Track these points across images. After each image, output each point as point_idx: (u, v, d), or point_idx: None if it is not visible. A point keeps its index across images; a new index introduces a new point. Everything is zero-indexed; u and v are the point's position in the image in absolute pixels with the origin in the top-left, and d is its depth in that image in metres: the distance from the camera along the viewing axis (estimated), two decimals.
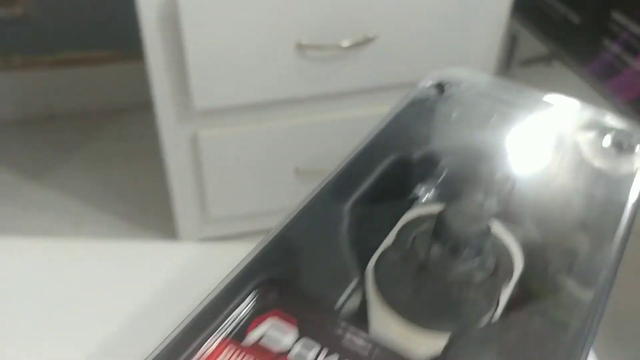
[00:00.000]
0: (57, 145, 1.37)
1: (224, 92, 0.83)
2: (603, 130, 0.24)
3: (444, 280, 0.20)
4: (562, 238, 0.21)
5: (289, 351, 0.17)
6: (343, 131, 0.87)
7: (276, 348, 0.17)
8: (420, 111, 0.25)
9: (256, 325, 0.18)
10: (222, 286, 0.19)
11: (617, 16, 0.87)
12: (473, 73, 0.27)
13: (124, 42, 1.35)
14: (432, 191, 0.23)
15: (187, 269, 0.27)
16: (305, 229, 0.21)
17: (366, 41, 0.80)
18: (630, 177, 0.22)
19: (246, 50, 0.79)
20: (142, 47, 0.81)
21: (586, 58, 0.93)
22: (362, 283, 0.20)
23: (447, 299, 0.19)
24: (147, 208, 1.18)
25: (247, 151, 0.91)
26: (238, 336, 0.17)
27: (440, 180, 0.23)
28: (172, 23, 0.76)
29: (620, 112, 0.88)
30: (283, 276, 0.19)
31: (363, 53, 0.81)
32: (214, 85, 0.81)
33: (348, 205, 0.21)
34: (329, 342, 0.17)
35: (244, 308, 0.18)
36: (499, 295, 0.19)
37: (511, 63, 1.08)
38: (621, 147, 0.23)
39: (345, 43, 0.79)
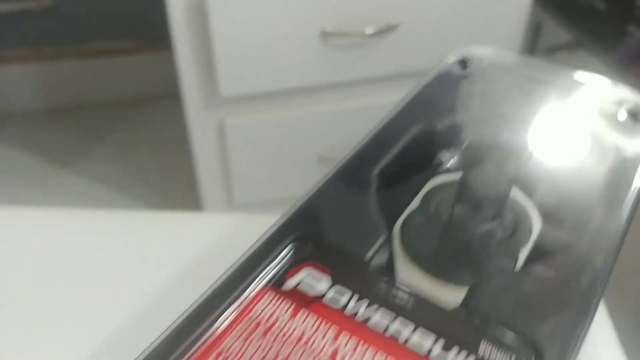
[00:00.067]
0: (85, 134, 1.40)
1: (249, 80, 0.85)
2: (621, 102, 0.26)
3: (466, 239, 0.21)
4: (577, 202, 0.22)
5: (323, 295, 0.19)
6: (367, 118, 0.88)
7: (312, 292, 0.19)
8: (445, 85, 0.27)
9: (293, 274, 0.19)
10: (261, 240, 0.20)
11: None
12: (495, 50, 0.28)
13: (151, 32, 1.37)
14: (456, 158, 0.24)
15: (217, 240, 0.29)
16: (338, 191, 0.22)
17: (389, 28, 0.81)
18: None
19: (271, 38, 0.80)
20: (168, 37, 0.83)
21: (611, 45, 0.93)
22: (389, 241, 0.21)
23: (468, 256, 0.21)
24: (174, 195, 1.21)
25: (272, 138, 0.93)
26: (277, 283, 0.19)
27: (463, 148, 0.24)
28: (199, 12, 0.78)
29: None
30: (317, 232, 0.21)
31: (386, 40, 0.82)
32: (240, 73, 0.83)
33: (377, 170, 0.23)
34: (360, 289, 0.19)
35: (282, 260, 0.20)
36: (517, 253, 0.21)
37: (535, 51, 1.08)
38: (636, 118, 0.25)
39: (369, 30, 0.80)
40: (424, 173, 0.24)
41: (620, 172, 0.23)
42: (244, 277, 0.19)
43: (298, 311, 0.18)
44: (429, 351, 0.17)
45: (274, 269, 0.20)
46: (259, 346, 0.17)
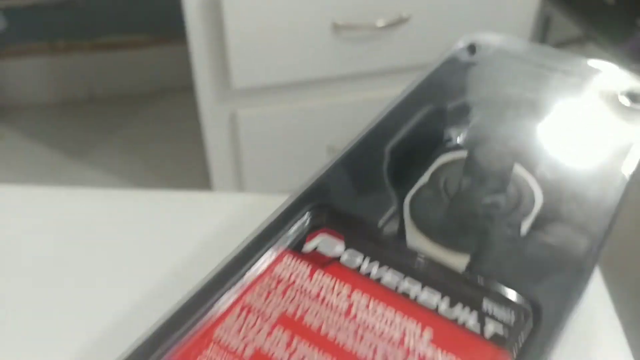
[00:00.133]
0: (97, 126, 1.42)
1: (261, 72, 0.86)
2: (622, 86, 0.27)
3: (471, 210, 0.22)
4: (576, 177, 0.23)
5: (339, 258, 0.20)
6: (377, 110, 0.89)
7: (328, 255, 0.20)
8: (454, 69, 0.28)
9: (309, 240, 0.21)
10: (281, 209, 0.22)
11: None
12: (503, 37, 0.30)
13: (164, 26, 1.39)
14: (464, 136, 0.25)
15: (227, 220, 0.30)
16: (352, 166, 0.24)
17: (400, 21, 0.82)
18: (639, 126, 0.25)
19: (284, 31, 0.82)
20: (180, 31, 0.84)
21: (620, 39, 0.94)
22: (399, 212, 0.23)
23: (473, 225, 0.22)
24: (186, 187, 1.23)
25: (283, 130, 0.94)
26: (295, 248, 0.21)
27: (470, 127, 0.26)
28: (213, 6, 0.80)
29: None
30: (332, 202, 0.22)
31: (397, 33, 0.84)
32: (253, 65, 0.85)
33: (389, 147, 0.24)
34: (372, 253, 0.20)
35: (300, 226, 0.21)
36: (520, 223, 0.22)
37: (545, 45, 1.09)
38: (636, 100, 0.26)
39: (380, 23, 0.82)
40: (433, 150, 0.25)
41: (617, 150, 0.24)
42: (264, 242, 0.21)
43: (314, 272, 0.20)
44: (437, 307, 0.19)
45: (292, 234, 0.21)
46: (279, 302, 0.19)
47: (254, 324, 0.18)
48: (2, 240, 0.29)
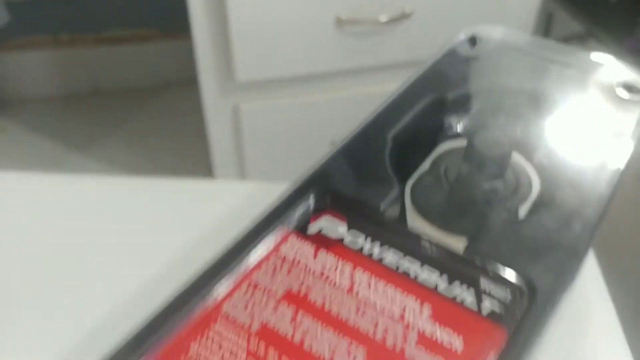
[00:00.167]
0: (101, 120, 1.43)
1: (265, 66, 0.87)
2: (618, 77, 0.28)
3: (471, 194, 0.23)
4: (572, 165, 0.24)
5: (342, 240, 0.21)
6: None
7: (331, 236, 0.21)
8: (455, 60, 0.29)
9: (313, 222, 0.22)
10: (286, 193, 0.23)
11: None
12: (504, 29, 0.30)
13: (167, 20, 1.40)
14: (464, 125, 0.26)
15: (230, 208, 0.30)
16: (355, 152, 0.24)
17: (403, 16, 0.83)
18: (634, 117, 0.25)
19: (287, 25, 0.82)
20: (184, 25, 0.85)
21: (622, 36, 0.94)
22: (400, 198, 0.23)
23: (472, 209, 0.23)
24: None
25: (286, 123, 0.95)
26: (300, 229, 0.21)
27: (470, 116, 0.27)
28: (217, 0, 0.80)
29: None
30: (335, 186, 0.23)
31: (400, 28, 0.84)
32: (256, 59, 0.85)
33: (392, 134, 0.25)
34: (373, 234, 0.21)
35: (304, 209, 0.22)
36: (517, 207, 0.23)
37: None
38: (631, 91, 0.27)
39: (383, 18, 0.82)
40: (434, 138, 0.26)
41: (612, 139, 0.25)
42: (270, 223, 0.21)
43: (318, 252, 0.21)
44: (436, 285, 0.19)
45: (297, 217, 0.22)
46: (285, 280, 0.20)
47: (261, 300, 0.19)
48: (4, 225, 0.30)
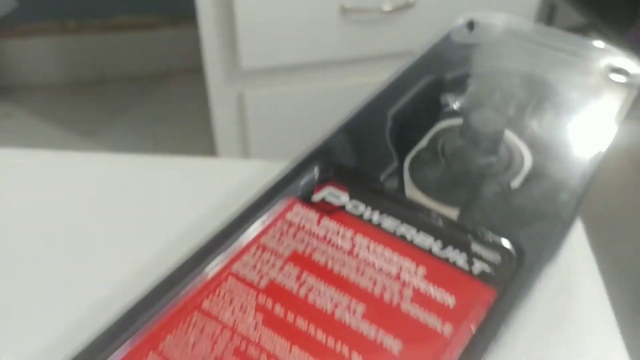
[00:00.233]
0: (107, 106, 1.44)
1: (270, 53, 0.88)
2: (609, 61, 0.29)
3: (465, 168, 0.25)
4: (562, 143, 0.26)
5: (343, 207, 0.22)
6: None
7: (334, 204, 0.22)
8: (453, 43, 0.30)
9: (317, 192, 0.23)
10: (292, 165, 0.24)
11: None
12: (501, 15, 0.32)
13: (173, 7, 1.41)
14: (460, 104, 0.28)
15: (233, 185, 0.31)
16: (357, 128, 0.26)
17: (407, 6, 0.84)
18: (622, 99, 0.27)
19: (292, 13, 0.84)
20: (190, 13, 0.86)
21: (623, 27, 0.95)
22: (399, 171, 0.25)
23: (467, 183, 0.24)
24: None
25: (290, 110, 0.96)
26: (305, 198, 0.23)
27: (466, 96, 0.28)
28: None
29: None
30: (338, 159, 0.24)
31: (403, 17, 0.85)
32: (261, 46, 0.87)
33: (391, 113, 0.27)
34: (373, 203, 0.23)
35: (308, 179, 0.24)
36: (510, 181, 0.24)
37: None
38: (619, 73, 0.28)
39: (387, 7, 0.83)
40: (432, 117, 0.27)
41: (601, 118, 0.26)
42: (277, 192, 0.23)
43: (322, 218, 0.22)
44: (430, 249, 0.21)
45: (302, 186, 0.23)
46: (290, 243, 0.21)
47: (268, 260, 0.21)
48: (12, 201, 0.31)
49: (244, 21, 0.83)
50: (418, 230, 0.21)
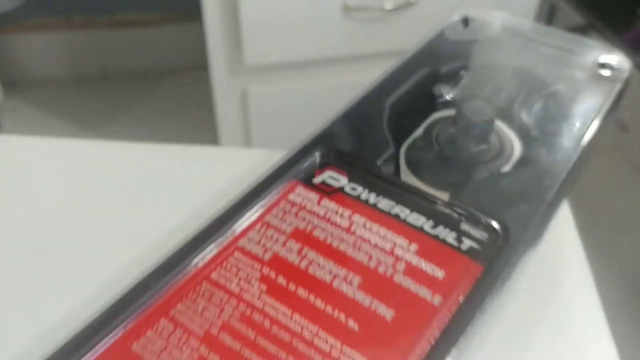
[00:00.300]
0: (111, 101, 1.45)
1: (273, 50, 0.90)
2: (596, 56, 0.30)
3: (457, 155, 0.26)
4: (549, 132, 0.27)
5: (342, 188, 0.24)
6: None
7: (333, 186, 0.24)
8: (448, 38, 0.32)
9: (318, 175, 0.25)
10: (294, 150, 0.26)
11: None
12: (495, 12, 0.33)
13: (178, 4, 1.42)
14: (454, 95, 0.29)
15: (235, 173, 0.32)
16: (357, 116, 0.27)
17: (408, 5, 0.85)
18: (605, 94, 0.28)
19: (295, 11, 0.85)
20: (194, 10, 0.87)
21: (621, 28, 0.97)
22: (395, 157, 0.26)
23: (459, 169, 0.26)
24: None
25: (293, 106, 0.98)
26: (306, 180, 0.24)
27: (460, 87, 0.30)
28: None
29: None
30: (338, 145, 0.26)
31: (405, 15, 0.87)
32: (265, 43, 0.88)
33: (389, 103, 0.28)
34: (370, 185, 0.24)
35: (310, 164, 0.25)
36: (499, 168, 0.26)
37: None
38: (605, 67, 0.30)
39: (388, 6, 0.85)
40: (427, 107, 0.29)
41: (586, 110, 0.28)
42: (281, 175, 0.25)
43: (322, 199, 0.24)
44: (422, 227, 0.22)
45: (303, 170, 0.25)
46: (293, 221, 0.23)
47: (272, 236, 0.22)
48: (16, 188, 0.32)
49: (249, 18, 0.85)
50: (411, 211, 0.23)
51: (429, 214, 0.23)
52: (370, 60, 0.93)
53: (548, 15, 1.11)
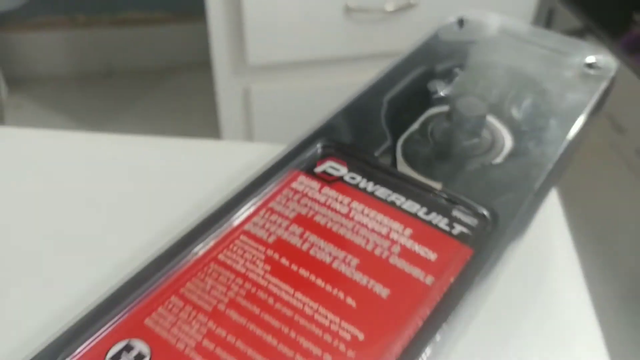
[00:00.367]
0: (114, 100, 1.47)
1: (276, 50, 0.91)
2: (584, 56, 0.32)
3: (451, 148, 0.28)
4: (538, 126, 0.29)
5: (342, 177, 0.26)
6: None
7: (334, 175, 0.26)
8: (444, 38, 0.33)
9: (319, 165, 0.26)
10: (297, 141, 0.27)
11: None
12: (489, 13, 0.35)
13: (181, 4, 1.44)
14: (448, 92, 0.31)
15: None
16: (356, 111, 0.29)
17: (408, 6, 0.87)
18: (591, 91, 0.30)
19: (298, 11, 0.87)
20: (197, 9, 0.89)
21: (617, 32, 0.98)
22: (392, 150, 0.28)
23: (452, 161, 0.28)
24: None
25: (295, 106, 0.99)
26: (308, 170, 0.26)
27: (454, 85, 0.31)
28: None
29: None
30: (338, 137, 0.27)
31: (405, 17, 0.89)
32: (267, 43, 0.90)
33: (388, 98, 0.30)
34: (368, 175, 0.26)
35: (311, 155, 0.27)
36: (490, 161, 0.27)
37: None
38: (591, 67, 0.31)
39: (389, 7, 0.87)
40: (423, 103, 0.30)
41: (572, 106, 0.30)
42: (284, 164, 0.26)
43: (323, 187, 0.25)
44: (416, 213, 0.24)
45: (305, 160, 0.27)
46: (295, 207, 0.24)
47: (276, 221, 0.24)
48: (21, 181, 0.33)
49: (252, 19, 0.86)
50: (407, 198, 0.25)
51: (423, 201, 0.25)
52: (370, 61, 0.95)
53: (546, 19, 1.13)
